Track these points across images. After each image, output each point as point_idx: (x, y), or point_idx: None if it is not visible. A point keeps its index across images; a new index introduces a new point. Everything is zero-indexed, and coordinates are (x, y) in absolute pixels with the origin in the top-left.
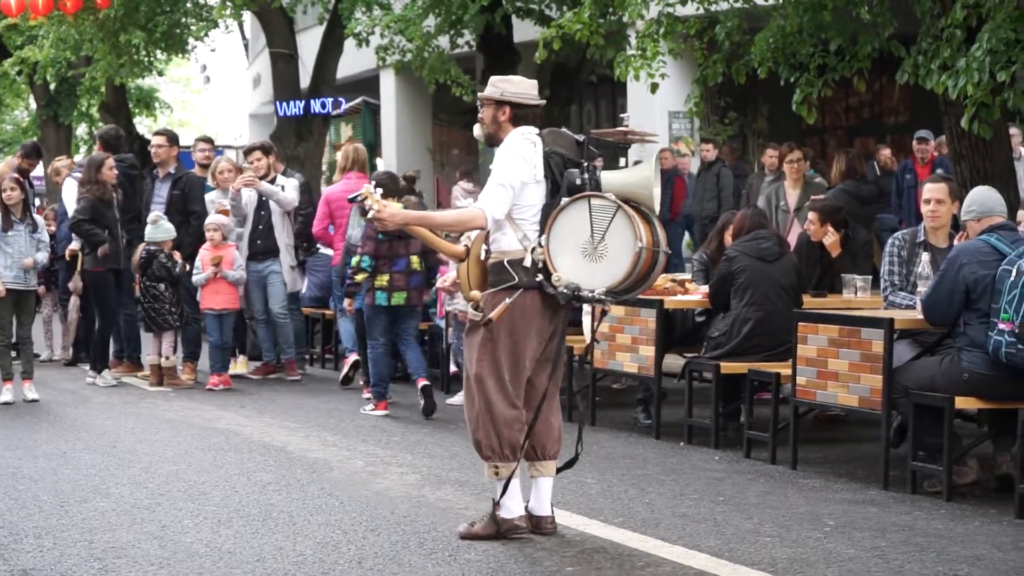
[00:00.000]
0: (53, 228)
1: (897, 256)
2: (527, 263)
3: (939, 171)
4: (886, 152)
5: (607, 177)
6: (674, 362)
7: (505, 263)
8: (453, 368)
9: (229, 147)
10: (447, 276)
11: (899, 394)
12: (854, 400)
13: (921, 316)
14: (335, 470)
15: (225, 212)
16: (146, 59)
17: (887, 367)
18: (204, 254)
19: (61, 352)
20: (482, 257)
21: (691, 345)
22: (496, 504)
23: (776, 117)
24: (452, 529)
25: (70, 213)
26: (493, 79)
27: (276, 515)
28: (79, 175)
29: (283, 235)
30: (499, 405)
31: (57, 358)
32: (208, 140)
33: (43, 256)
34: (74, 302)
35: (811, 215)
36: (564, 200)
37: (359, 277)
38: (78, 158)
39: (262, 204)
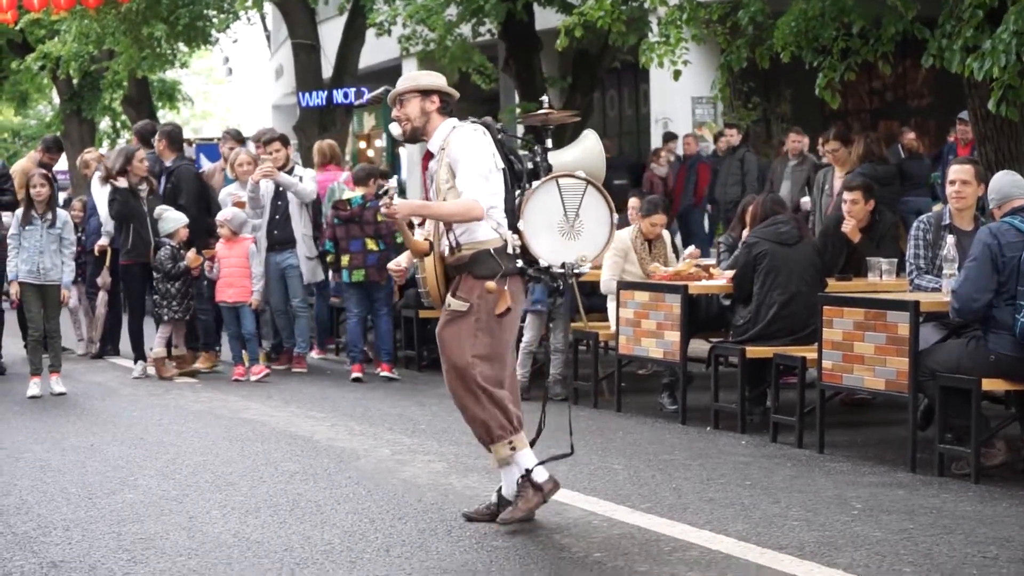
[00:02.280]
0: (80, 217)
1: (923, 239)
2: (509, 250)
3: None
4: (911, 135)
5: (559, 157)
6: (699, 347)
7: (491, 252)
8: None
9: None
10: (398, 259)
11: (926, 377)
12: (881, 383)
13: (948, 298)
14: (362, 459)
15: (241, 204)
16: (168, 52)
17: (913, 350)
18: (219, 248)
19: (87, 346)
20: (446, 253)
21: (716, 330)
22: (528, 474)
23: (800, 101)
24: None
25: (100, 210)
26: (410, 75)
27: (303, 504)
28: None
29: (300, 225)
30: (495, 386)
31: (82, 352)
32: (236, 135)
33: (69, 272)
34: (102, 297)
35: (854, 195)
36: (534, 184)
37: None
38: (103, 149)
39: (279, 194)
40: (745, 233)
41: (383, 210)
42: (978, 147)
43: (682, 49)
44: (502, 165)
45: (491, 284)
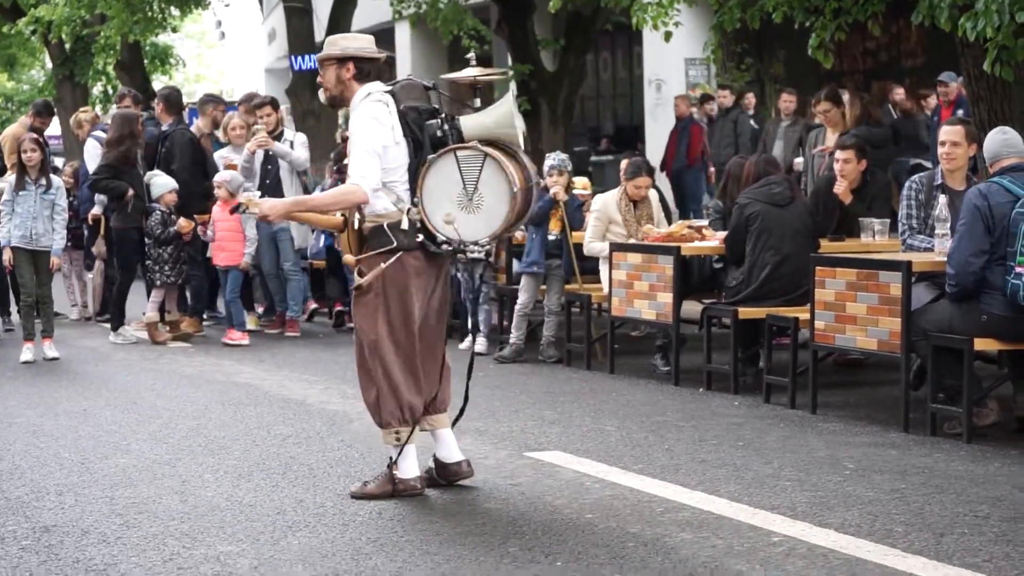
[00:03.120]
0: (71, 183)
1: (915, 199)
2: (404, 225)
3: (959, 113)
4: (900, 92)
5: (467, 123)
6: (692, 309)
7: (384, 227)
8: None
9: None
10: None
11: (918, 337)
12: (873, 343)
13: (941, 258)
14: (354, 422)
15: (233, 167)
16: (160, 16)
17: (906, 310)
18: (215, 211)
19: (80, 311)
20: (356, 225)
21: (709, 291)
22: (392, 464)
23: (793, 62)
24: (473, 480)
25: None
26: (331, 39)
27: (296, 468)
28: (101, 134)
29: (291, 190)
30: (396, 370)
31: (75, 317)
32: (218, 99)
33: (60, 240)
34: (98, 266)
35: (846, 153)
36: (430, 156)
37: None
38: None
39: (269, 159)
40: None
41: (249, 214)
42: (972, 107)
43: (674, 11)
44: (400, 139)
45: (349, 257)
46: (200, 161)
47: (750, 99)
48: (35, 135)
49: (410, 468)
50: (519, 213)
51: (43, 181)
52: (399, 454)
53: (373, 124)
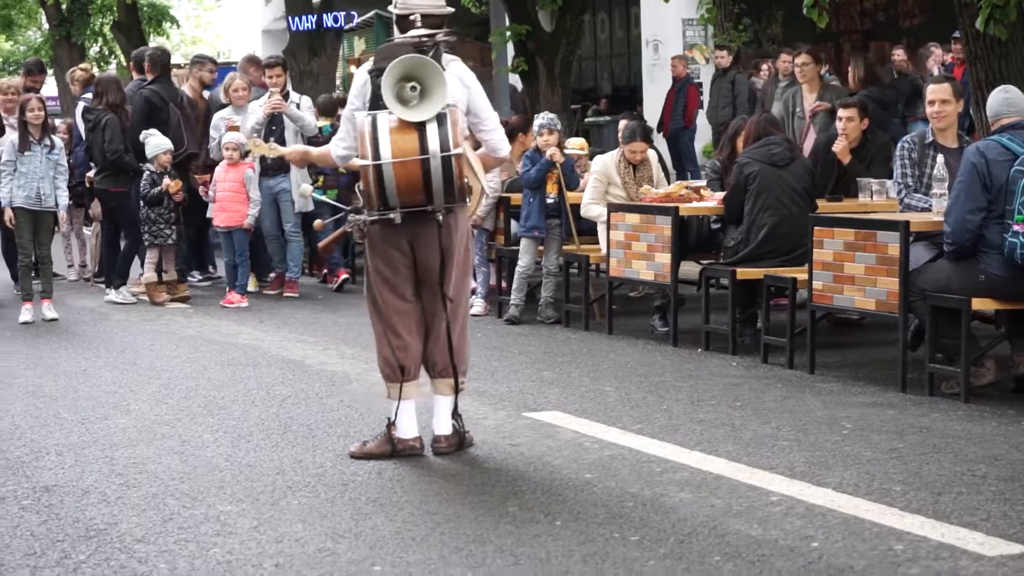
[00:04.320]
0: (65, 139)
1: (908, 158)
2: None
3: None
4: (899, 53)
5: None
6: (690, 269)
7: (358, 188)
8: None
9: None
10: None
11: (916, 297)
12: (871, 304)
13: (939, 218)
14: (353, 383)
15: (235, 128)
16: None
17: (903, 270)
18: (217, 172)
19: (78, 271)
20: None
21: (707, 252)
22: (391, 424)
23: (791, 22)
24: (472, 439)
25: (84, 137)
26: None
27: (295, 428)
28: (90, 98)
29: None
30: (382, 327)
31: (73, 278)
32: (205, 59)
33: (64, 198)
34: (95, 227)
35: (849, 111)
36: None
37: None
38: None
39: (275, 119)
40: (740, 148)
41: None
42: (969, 67)
43: None
44: (360, 105)
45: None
46: (157, 120)
47: (763, 66)
48: (40, 95)
49: (409, 427)
50: (412, 185)
51: (47, 141)
52: (396, 413)
53: (353, 92)
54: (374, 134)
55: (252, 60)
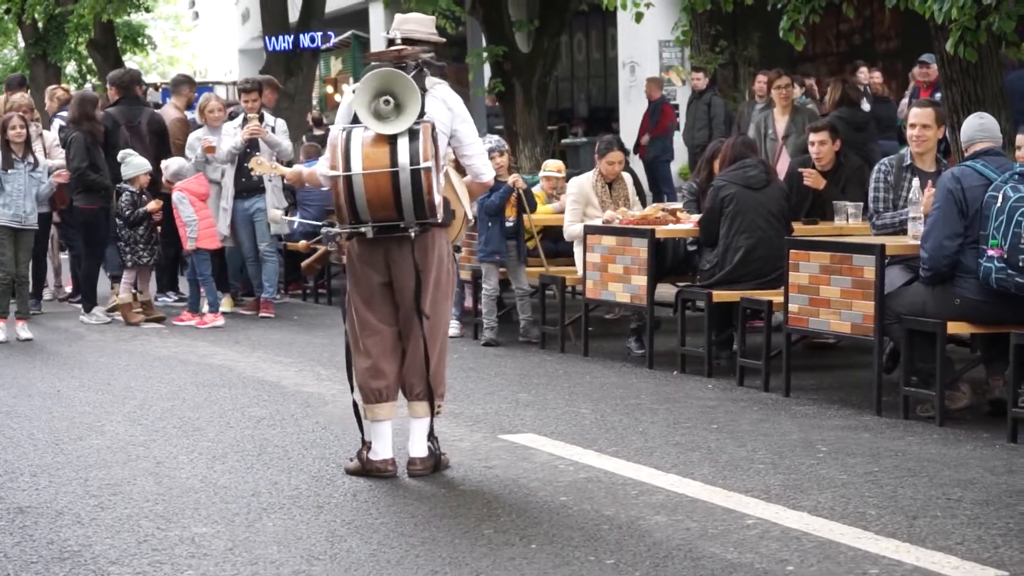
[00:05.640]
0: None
1: (883, 181)
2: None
3: (937, 96)
4: (877, 77)
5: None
6: (666, 291)
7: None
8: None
9: (219, 83)
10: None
11: (891, 320)
12: (846, 327)
13: (914, 242)
14: (329, 404)
15: (211, 149)
16: None
17: (879, 293)
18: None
19: (53, 291)
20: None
21: (683, 274)
22: (365, 444)
23: (767, 45)
24: (448, 461)
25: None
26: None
27: (271, 450)
28: (66, 116)
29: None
30: (354, 350)
31: (48, 298)
32: (190, 79)
33: (45, 188)
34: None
35: (820, 135)
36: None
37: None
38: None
39: (251, 143)
40: (717, 170)
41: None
42: (944, 90)
43: None
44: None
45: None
46: (107, 143)
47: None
48: (20, 113)
49: (380, 450)
50: (381, 198)
51: (30, 159)
52: (365, 432)
53: (338, 114)
54: (346, 146)
55: (270, 83)
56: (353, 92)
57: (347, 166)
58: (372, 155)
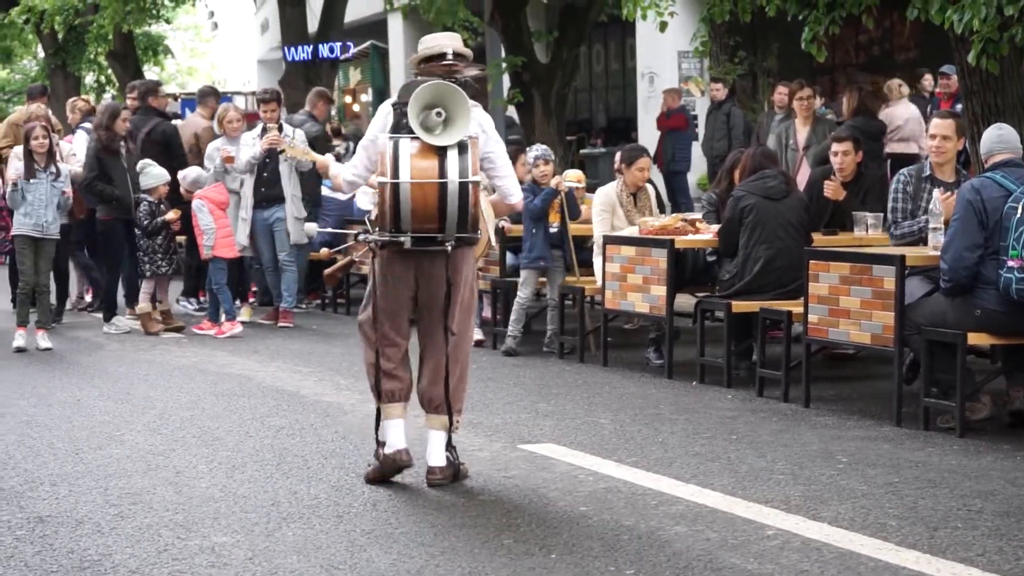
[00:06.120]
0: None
1: (902, 192)
2: (374, 218)
3: (958, 106)
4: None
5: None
6: (686, 302)
7: (366, 220)
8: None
9: (238, 93)
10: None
11: (911, 331)
12: (866, 337)
13: (935, 253)
14: (348, 414)
15: (230, 160)
16: (153, 5)
17: (899, 304)
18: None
19: (73, 301)
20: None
21: (702, 284)
22: (378, 442)
23: (786, 55)
24: (467, 471)
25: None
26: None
27: (290, 459)
28: (89, 126)
29: (289, 186)
30: (369, 355)
31: (68, 308)
32: (216, 90)
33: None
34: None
35: (844, 145)
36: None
37: None
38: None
39: (269, 153)
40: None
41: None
42: (964, 101)
43: (667, 2)
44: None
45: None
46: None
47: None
48: (43, 122)
49: (393, 441)
50: (427, 208)
51: (52, 168)
52: (380, 433)
53: (373, 122)
54: (395, 156)
55: (321, 94)
56: (394, 107)
57: (395, 174)
58: (421, 165)
